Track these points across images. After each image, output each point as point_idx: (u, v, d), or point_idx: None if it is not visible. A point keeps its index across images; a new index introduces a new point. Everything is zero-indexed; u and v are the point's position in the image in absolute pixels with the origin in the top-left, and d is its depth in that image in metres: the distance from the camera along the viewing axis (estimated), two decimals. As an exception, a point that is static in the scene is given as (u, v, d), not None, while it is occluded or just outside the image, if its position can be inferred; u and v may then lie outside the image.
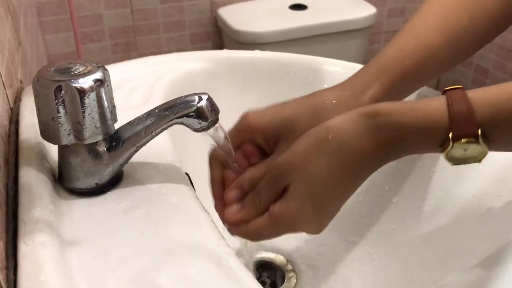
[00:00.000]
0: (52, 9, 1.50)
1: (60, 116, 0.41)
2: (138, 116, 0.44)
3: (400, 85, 0.49)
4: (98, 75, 0.41)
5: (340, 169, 0.41)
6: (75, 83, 0.40)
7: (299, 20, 1.49)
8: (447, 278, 0.49)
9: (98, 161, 0.44)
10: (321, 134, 0.42)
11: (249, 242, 0.51)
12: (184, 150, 0.56)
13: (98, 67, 0.42)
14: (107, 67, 0.43)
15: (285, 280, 0.60)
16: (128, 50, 1.64)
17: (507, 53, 1.75)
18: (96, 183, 0.44)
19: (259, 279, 0.61)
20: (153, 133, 0.44)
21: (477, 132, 0.37)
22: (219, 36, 1.69)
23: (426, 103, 0.40)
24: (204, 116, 0.43)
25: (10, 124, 0.52)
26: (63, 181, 0.45)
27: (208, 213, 0.44)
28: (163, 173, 0.48)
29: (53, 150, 0.47)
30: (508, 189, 0.50)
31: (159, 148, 0.50)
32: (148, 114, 0.44)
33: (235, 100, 0.69)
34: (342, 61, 0.70)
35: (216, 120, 0.44)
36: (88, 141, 0.42)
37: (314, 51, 1.43)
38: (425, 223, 0.56)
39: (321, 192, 0.41)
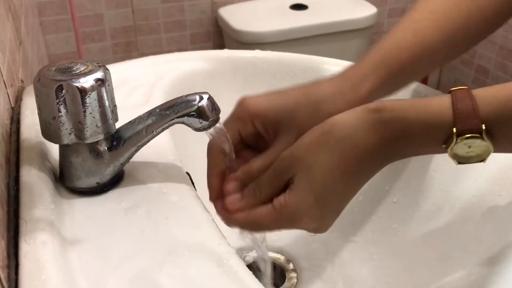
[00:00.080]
0: (53, 9, 1.50)
1: (61, 116, 0.41)
2: (139, 116, 0.44)
3: (396, 78, 0.50)
4: (99, 74, 0.41)
5: (342, 162, 0.41)
6: (76, 82, 0.40)
7: (300, 20, 1.49)
8: (447, 278, 0.49)
9: (99, 161, 0.44)
10: (325, 128, 0.42)
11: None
12: (185, 149, 0.56)
13: (99, 66, 0.42)
14: (108, 66, 0.43)
15: (286, 280, 0.60)
16: (129, 50, 1.64)
17: (508, 53, 1.75)
18: (97, 182, 0.44)
19: (260, 278, 0.61)
20: (154, 133, 0.44)
21: (481, 128, 0.37)
22: (220, 36, 1.69)
23: (431, 100, 0.40)
24: (205, 115, 0.43)
25: (11, 123, 0.52)
26: (64, 180, 0.45)
27: (209, 212, 0.44)
28: (164, 172, 0.48)
29: (54, 150, 0.48)
30: (508, 189, 0.50)
31: (160, 147, 0.51)
32: (149, 113, 0.44)
33: (235, 99, 0.69)
34: (343, 61, 0.70)
35: (217, 120, 0.44)
36: (89, 141, 0.42)
37: (315, 51, 1.43)
38: (426, 223, 0.56)
39: (323, 186, 0.41)
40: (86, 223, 0.42)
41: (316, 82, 0.49)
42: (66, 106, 0.40)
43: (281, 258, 0.63)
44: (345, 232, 0.62)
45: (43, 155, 0.47)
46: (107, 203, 0.44)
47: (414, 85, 0.63)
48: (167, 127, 0.44)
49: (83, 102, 0.40)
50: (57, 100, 0.40)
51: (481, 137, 0.38)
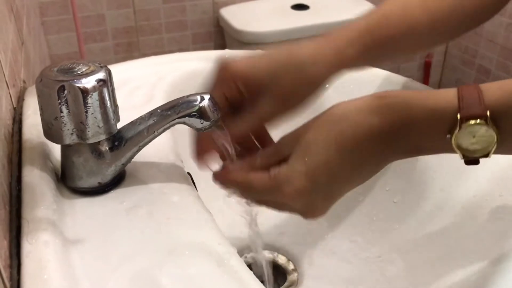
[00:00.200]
0: (55, 10, 1.50)
1: (63, 116, 0.41)
2: (141, 116, 0.45)
3: (380, 50, 0.49)
4: (101, 75, 0.41)
5: (338, 139, 0.40)
6: (78, 83, 0.40)
7: (301, 20, 1.49)
8: (448, 278, 0.49)
9: (101, 161, 0.44)
10: (328, 110, 0.42)
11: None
12: (186, 149, 0.56)
13: (101, 67, 0.42)
14: (109, 67, 0.43)
15: (287, 280, 0.60)
16: (131, 50, 1.64)
17: (509, 53, 1.75)
18: (99, 183, 0.45)
19: (261, 278, 0.61)
20: (155, 133, 0.44)
21: (486, 114, 0.37)
22: (221, 36, 1.69)
23: (436, 91, 0.40)
24: (206, 116, 0.43)
25: (13, 123, 0.52)
26: (66, 181, 0.45)
27: (210, 212, 0.44)
28: (165, 172, 0.48)
29: (56, 150, 0.48)
30: (509, 189, 0.50)
31: (162, 147, 0.51)
32: (151, 113, 0.44)
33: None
34: (343, 61, 0.70)
35: (218, 120, 0.44)
36: (91, 141, 0.42)
37: (316, 51, 1.43)
38: (426, 223, 0.56)
39: (316, 159, 0.41)
40: (88, 223, 0.42)
41: (299, 43, 0.48)
42: (68, 106, 0.40)
43: (282, 258, 0.63)
44: (346, 232, 0.62)
45: (45, 155, 0.47)
46: (108, 203, 0.44)
47: (414, 86, 0.64)
48: (168, 128, 0.44)
49: (85, 103, 0.40)
50: (59, 101, 0.40)
51: (486, 124, 0.37)
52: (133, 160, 0.46)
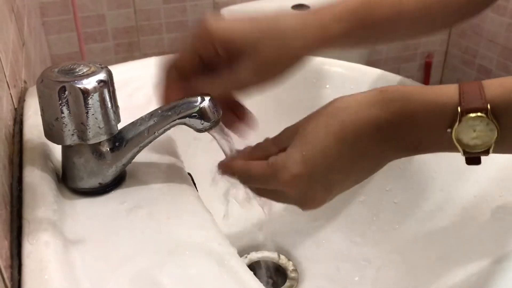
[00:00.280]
0: (56, 10, 1.50)
1: (64, 117, 0.41)
2: (141, 117, 0.45)
3: (367, 31, 0.49)
4: (101, 76, 0.41)
5: (337, 128, 0.40)
6: (78, 84, 0.40)
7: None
8: (448, 278, 0.49)
9: (102, 161, 0.44)
10: (328, 103, 0.42)
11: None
12: (187, 150, 0.56)
13: (102, 68, 0.42)
14: (110, 67, 0.43)
15: (287, 280, 0.60)
16: (131, 51, 1.64)
17: (510, 53, 1.75)
18: (100, 183, 0.45)
19: (261, 278, 0.61)
20: (156, 134, 0.44)
21: (486, 107, 0.36)
22: (222, 36, 1.69)
23: (437, 86, 0.40)
24: (206, 116, 0.43)
25: (14, 124, 0.52)
26: (67, 181, 0.45)
27: (210, 213, 0.44)
28: (166, 173, 0.48)
29: (57, 150, 0.48)
30: (509, 189, 0.50)
31: (162, 148, 0.51)
32: (151, 114, 0.44)
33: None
34: (344, 62, 0.70)
35: (218, 121, 0.44)
36: (92, 141, 0.42)
37: (317, 51, 1.43)
38: (427, 224, 0.56)
39: (313, 146, 0.41)
40: (88, 224, 0.42)
41: (286, 13, 0.47)
42: (68, 107, 0.41)
43: (282, 258, 0.63)
44: (346, 232, 0.62)
45: (46, 156, 0.47)
46: (109, 204, 0.44)
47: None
48: (168, 128, 0.44)
49: (86, 104, 0.41)
50: (60, 101, 0.40)
51: (487, 118, 0.36)
52: (134, 160, 0.46)
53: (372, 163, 0.42)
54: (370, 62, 1.85)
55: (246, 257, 0.62)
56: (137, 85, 0.62)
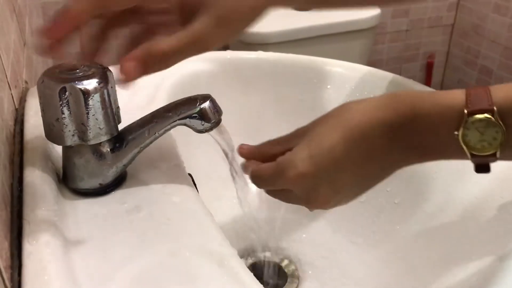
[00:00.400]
0: (57, 10, 1.50)
1: (64, 117, 0.41)
2: (142, 117, 0.45)
3: None
4: (102, 76, 0.41)
5: (344, 127, 0.40)
6: (79, 84, 0.40)
7: (304, 20, 1.49)
8: (449, 279, 0.49)
9: (102, 162, 0.44)
10: (337, 106, 0.43)
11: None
12: (188, 151, 0.56)
13: (103, 68, 0.42)
14: (111, 68, 0.43)
15: (288, 281, 0.60)
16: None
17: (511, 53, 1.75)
18: (100, 184, 0.45)
19: (261, 279, 0.61)
20: (157, 134, 0.44)
21: (493, 108, 0.36)
22: (224, 37, 1.69)
23: (444, 91, 0.40)
24: (207, 117, 0.43)
25: (15, 124, 0.52)
26: (67, 182, 0.46)
27: (211, 213, 0.44)
28: (166, 173, 0.48)
29: (57, 151, 0.48)
30: (510, 191, 0.50)
31: (163, 148, 0.51)
32: (152, 115, 0.44)
33: (238, 101, 0.69)
34: (345, 62, 0.70)
35: (219, 122, 0.44)
36: (92, 142, 0.42)
37: (318, 51, 1.43)
38: (427, 224, 0.56)
39: (319, 143, 0.41)
40: (89, 224, 0.42)
41: None
42: (69, 108, 0.41)
43: (283, 259, 0.63)
44: (347, 233, 0.62)
45: (47, 156, 0.47)
46: (109, 204, 0.44)
47: (415, 87, 0.64)
48: (169, 129, 0.44)
49: (86, 104, 0.41)
50: (61, 102, 0.40)
51: (493, 120, 0.36)
52: (134, 161, 0.46)
53: (380, 166, 0.42)
54: (371, 62, 1.85)
55: (247, 258, 0.62)
56: (138, 86, 0.62)
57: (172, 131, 0.45)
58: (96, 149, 0.44)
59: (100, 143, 0.43)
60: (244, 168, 0.47)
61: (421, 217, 0.57)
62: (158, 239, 0.41)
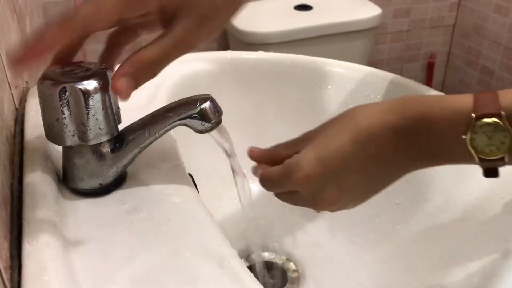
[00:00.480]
0: (58, 10, 1.50)
1: (64, 118, 0.41)
2: (142, 118, 0.45)
3: None
4: (102, 76, 0.41)
5: (352, 130, 0.41)
6: (79, 84, 0.40)
7: (304, 20, 1.49)
8: (450, 280, 0.49)
9: (102, 162, 0.44)
10: (346, 110, 0.43)
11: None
12: (188, 151, 0.56)
13: (103, 68, 0.42)
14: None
15: (288, 281, 0.60)
16: (133, 50, 1.64)
17: (513, 54, 1.74)
18: (100, 184, 0.45)
19: (262, 279, 0.61)
20: (157, 134, 0.44)
21: (500, 112, 0.36)
22: (224, 37, 1.69)
23: (452, 95, 0.40)
24: (207, 117, 0.43)
25: (15, 124, 0.52)
26: (67, 182, 0.46)
27: (211, 214, 0.44)
28: (167, 174, 0.48)
29: (57, 151, 0.48)
30: (510, 191, 0.50)
31: (163, 149, 0.51)
32: (152, 115, 0.44)
33: (238, 101, 0.69)
34: (345, 62, 0.70)
35: (219, 122, 0.44)
36: (92, 142, 0.42)
37: (319, 51, 1.43)
38: (428, 225, 0.56)
39: (326, 146, 0.42)
40: (89, 224, 0.42)
41: None
42: (69, 108, 0.41)
43: (282, 259, 0.63)
44: (347, 233, 0.62)
45: (47, 157, 0.47)
46: (109, 205, 0.44)
47: (416, 87, 0.63)
48: (169, 129, 0.44)
49: (86, 104, 0.41)
50: (61, 102, 0.40)
51: (501, 123, 0.36)
52: (134, 161, 0.46)
53: (387, 169, 0.42)
54: (372, 62, 1.85)
55: (247, 258, 0.62)
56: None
57: (172, 131, 0.45)
58: (96, 149, 0.44)
59: (100, 143, 0.43)
60: (254, 171, 0.48)
61: (421, 217, 0.57)
62: (158, 240, 0.41)
